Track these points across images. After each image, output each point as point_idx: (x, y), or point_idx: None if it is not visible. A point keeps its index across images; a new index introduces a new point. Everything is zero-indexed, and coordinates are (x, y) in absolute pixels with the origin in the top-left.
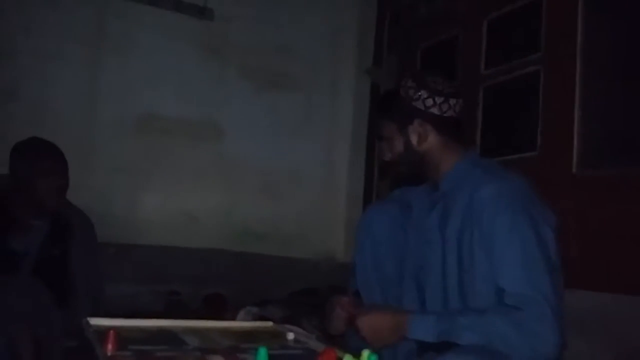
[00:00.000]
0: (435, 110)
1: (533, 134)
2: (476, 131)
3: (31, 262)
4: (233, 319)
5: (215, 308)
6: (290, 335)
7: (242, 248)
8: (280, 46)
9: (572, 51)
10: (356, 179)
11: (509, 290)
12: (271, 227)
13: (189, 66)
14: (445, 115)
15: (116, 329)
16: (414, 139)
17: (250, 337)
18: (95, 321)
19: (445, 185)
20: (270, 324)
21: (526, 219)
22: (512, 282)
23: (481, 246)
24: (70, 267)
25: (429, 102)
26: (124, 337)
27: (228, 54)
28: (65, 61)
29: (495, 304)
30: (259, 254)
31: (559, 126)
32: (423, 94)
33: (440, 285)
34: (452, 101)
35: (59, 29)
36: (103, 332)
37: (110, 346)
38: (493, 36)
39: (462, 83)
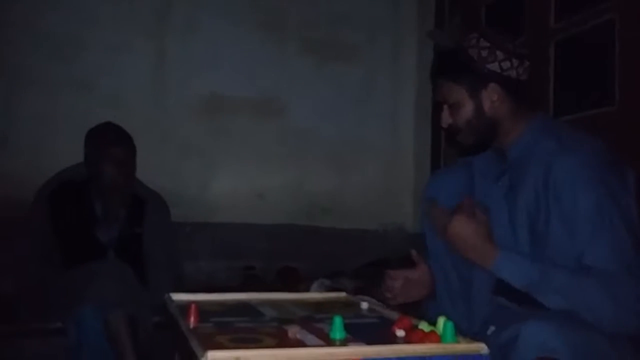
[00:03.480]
0: (512, 74)
1: (610, 88)
2: (548, 89)
3: (114, 247)
4: (306, 291)
5: (289, 281)
6: (364, 305)
7: (310, 222)
8: (339, 17)
9: None
10: (422, 146)
11: (599, 267)
12: (339, 200)
13: (249, 45)
14: (520, 78)
15: (197, 303)
16: (486, 105)
17: (325, 307)
18: (177, 296)
19: (513, 154)
20: (343, 294)
21: (611, 193)
22: (601, 261)
23: (561, 221)
24: (147, 246)
25: (506, 64)
26: (204, 311)
27: (287, 30)
28: (133, 50)
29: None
30: (328, 228)
31: (638, 78)
32: (499, 55)
33: None
34: (526, 63)
35: (125, 19)
36: (185, 306)
37: (192, 319)
38: None
39: (531, 39)
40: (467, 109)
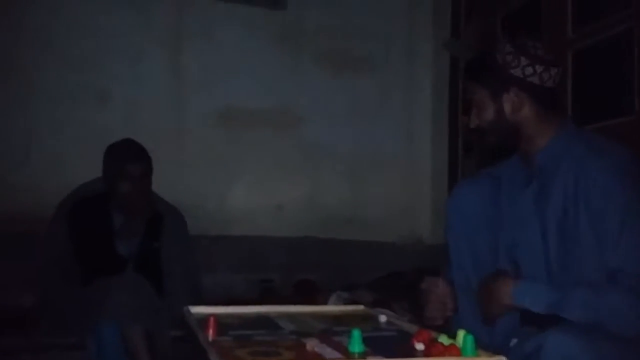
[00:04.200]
0: (534, 80)
1: (630, 97)
2: (566, 99)
3: (133, 260)
4: (324, 303)
5: (307, 293)
6: (383, 318)
7: (327, 234)
8: (354, 28)
9: None
10: (439, 157)
11: (628, 271)
12: (356, 212)
13: (265, 56)
14: (545, 85)
15: (216, 316)
16: (507, 108)
17: (343, 320)
18: (196, 309)
19: (541, 160)
20: (361, 307)
21: (638, 196)
22: (630, 263)
23: (590, 224)
24: (165, 260)
25: (529, 70)
26: (223, 324)
27: (302, 41)
28: (149, 61)
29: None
30: (345, 240)
31: None
32: (522, 61)
33: (541, 265)
34: (553, 70)
35: (141, 30)
36: (204, 319)
37: (211, 332)
38: None
39: (548, 49)
40: (489, 111)
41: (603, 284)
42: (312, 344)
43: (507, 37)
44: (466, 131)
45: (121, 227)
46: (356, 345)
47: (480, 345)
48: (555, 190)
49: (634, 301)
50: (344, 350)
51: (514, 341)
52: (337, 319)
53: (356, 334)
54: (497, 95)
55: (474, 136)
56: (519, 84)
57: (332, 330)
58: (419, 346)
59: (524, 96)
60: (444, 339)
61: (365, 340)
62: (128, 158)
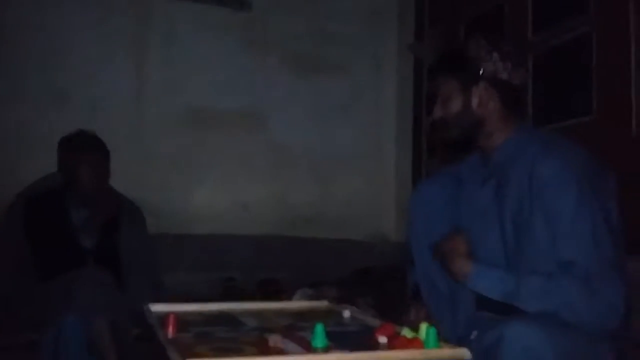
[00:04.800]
0: (504, 76)
1: (588, 98)
2: (526, 99)
3: (94, 254)
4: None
5: (270, 292)
6: (346, 313)
7: (294, 233)
8: (320, 30)
9: (624, 7)
10: (404, 158)
11: (580, 262)
12: (322, 211)
13: (231, 58)
14: (512, 82)
15: (176, 313)
16: (474, 102)
17: (307, 316)
18: (156, 307)
19: (499, 157)
20: (325, 303)
21: (592, 193)
22: (582, 255)
23: (543, 219)
24: (123, 253)
25: (500, 66)
26: (184, 321)
27: (269, 43)
28: (112, 61)
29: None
30: (311, 238)
31: (615, 88)
32: (495, 56)
33: (499, 260)
34: (521, 70)
35: (104, 29)
36: (164, 316)
37: (171, 329)
38: (539, 1)
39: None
40: (456, 102)
41: (557, 275)
42: (275, 340)
43: (480, 32)
44: (430, 125)
45: (84, 220)
46: (319, 339)
47: (443, 337)
48: (511, 187)
49: (585, 291)
50: (307, 345)
51: (475, 333)
52: (301, 314)
53: (319, 328)
54: (467, 87)
55: (436, 130)
56: (489, 78)
57: (295, 325)
58: (382, 339)
59: (492, 91)
60: (407, 332)
61: (329, 335)
62: (84, 145)
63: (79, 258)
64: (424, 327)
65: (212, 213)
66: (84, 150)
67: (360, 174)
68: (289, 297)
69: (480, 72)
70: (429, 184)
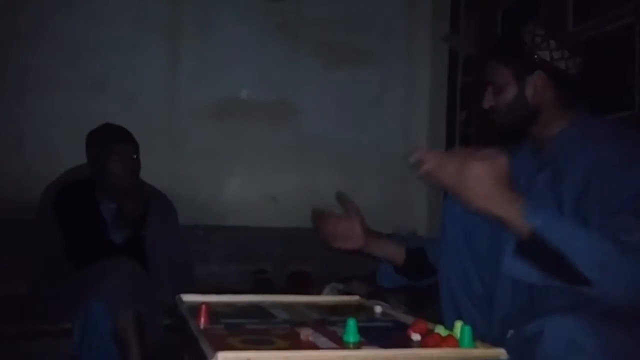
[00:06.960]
0: (561, 65)
1: (630, 92)
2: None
3: (124, 248)
4: (318, 295)
5: (300, 285)
6: (378, 309)
7: None
8: (353, 20)
9: None
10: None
11: (633, 240)
12: None
13: (263, 47)
14: (569, 71)
15: (208, 304)
16: (529, 91)
17: (338, 311)
18: (188, 297)
19: (555, 147)
20: (356, 298)
21: None
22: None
23: (604, 204)
24: (149, 245)
25: (557, 54)
26: (215, 312)
27: (301, 32)
28: (146, 51)
29: None
30: None
31: None
32: (552, 44)
33: None
34: (578, 59)
35: (138, 20)
36: (195, 307)
37: (202, 320)
38: None
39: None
40: (510, 92)
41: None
42: (307, 333)
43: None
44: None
45: (114, 216)
46: (351, 334)
47: (478, 336)
48: (572, 176)
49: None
50: (338, 339)
51: (511, 332)
52: (332, 309)
53: (351, 323)
54: (521, 76)
55: (488, 117)
56: (545, 66)
57: (326, 319)
58: (415, 337)
59: (548, 80)
60: (441, 330)
61: (361, 330)
62: (114, 138)
63: (108, 253)
64: (459, 324)
65: (242, 205)
66: (113, 143)
67: (391, 167)
68: (319, 291)
69: (537, 61)
70: None
